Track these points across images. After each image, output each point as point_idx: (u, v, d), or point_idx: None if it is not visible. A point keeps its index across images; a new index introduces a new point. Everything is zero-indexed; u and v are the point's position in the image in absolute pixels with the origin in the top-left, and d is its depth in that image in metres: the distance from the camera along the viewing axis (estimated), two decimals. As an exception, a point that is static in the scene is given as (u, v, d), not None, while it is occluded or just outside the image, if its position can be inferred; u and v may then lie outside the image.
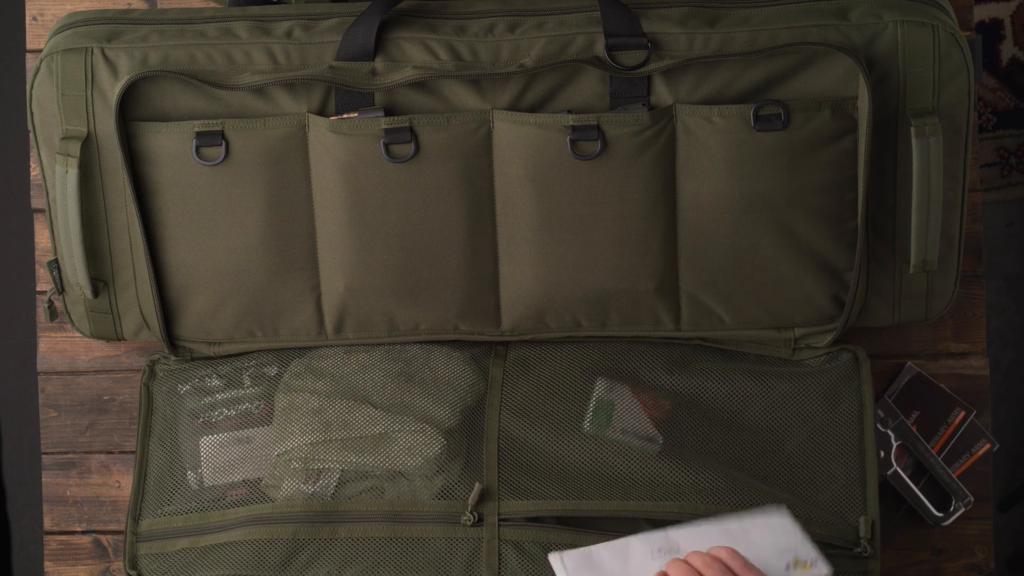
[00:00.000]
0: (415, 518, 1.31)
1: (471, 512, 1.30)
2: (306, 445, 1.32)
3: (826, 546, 1.28)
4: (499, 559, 1.29)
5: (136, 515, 1.36)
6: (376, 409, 1.33)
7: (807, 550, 1.19)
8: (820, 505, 1.30)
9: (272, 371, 1.39)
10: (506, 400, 1.35)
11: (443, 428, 1.32)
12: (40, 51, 1.43)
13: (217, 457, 1.35)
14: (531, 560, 1.29)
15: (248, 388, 1.38)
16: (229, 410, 1.37)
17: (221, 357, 1.40)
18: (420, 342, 1.39)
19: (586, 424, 1.34)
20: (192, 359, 1.40)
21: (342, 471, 1.32)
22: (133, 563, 1.34)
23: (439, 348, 1.39)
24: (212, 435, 1.36)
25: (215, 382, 1.38)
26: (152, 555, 1.34)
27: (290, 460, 1.32)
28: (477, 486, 1.30)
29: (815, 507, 1.30)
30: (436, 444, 1.32)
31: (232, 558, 1.31)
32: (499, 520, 1.30)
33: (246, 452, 1.35)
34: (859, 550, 1.29)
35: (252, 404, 1.37)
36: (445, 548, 1.30)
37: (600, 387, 1.35)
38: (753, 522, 1.20)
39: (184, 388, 1.39)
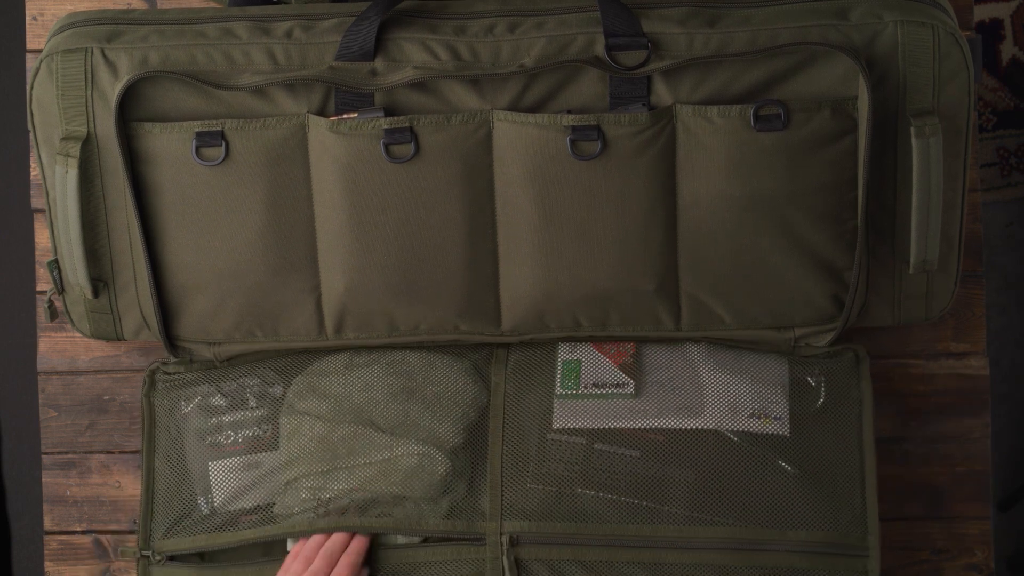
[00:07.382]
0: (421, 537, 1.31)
1: (475, 531, 1.30)
2: (314, 474, 1.32)
3: (824, 546, 1.28)
4: None
5: (147, 537, 1.36)
6: (381, 433, 1.33)
7: (777, 407, 1.21)
8: (818, 505, 1.30)
9: (277, 391, 1.38)
10: (509, 410, 1.35)
11: (447, 448, 1.32)
12: (40, 51, 1.43)
13: (228, 483, 1.35)
14: None
15: (254, 410, 1.37)
16: (236, 434, 1.36)
17: (222, 368, 1.40)
18: (420, 343, 1.39)
19: (558, 388, 1.34)
20: (192, 361, 1.40)
21: (350, 500, 1.32)
22: None
23: (440, 359, 1.38)
24: (221, 460, 1.36)
25: (219, 401, 1.37)
26: None
27: (299, 489, 1.32)
28: (482, 505, 1.31)
29: (812, 507, 1.30)
30: (442, 467, 1.31)
31: None
32: (503, 539, 1.30)
33: (256, 478, 1.35)
34: (857, 552, 1.28)
35: (260, 428, 1.36)
36: (450, 568, 1.30)
37: (563, 350, 1.37)
38: (753, 357, 1.22)
39: (188, 407, 1.38)
